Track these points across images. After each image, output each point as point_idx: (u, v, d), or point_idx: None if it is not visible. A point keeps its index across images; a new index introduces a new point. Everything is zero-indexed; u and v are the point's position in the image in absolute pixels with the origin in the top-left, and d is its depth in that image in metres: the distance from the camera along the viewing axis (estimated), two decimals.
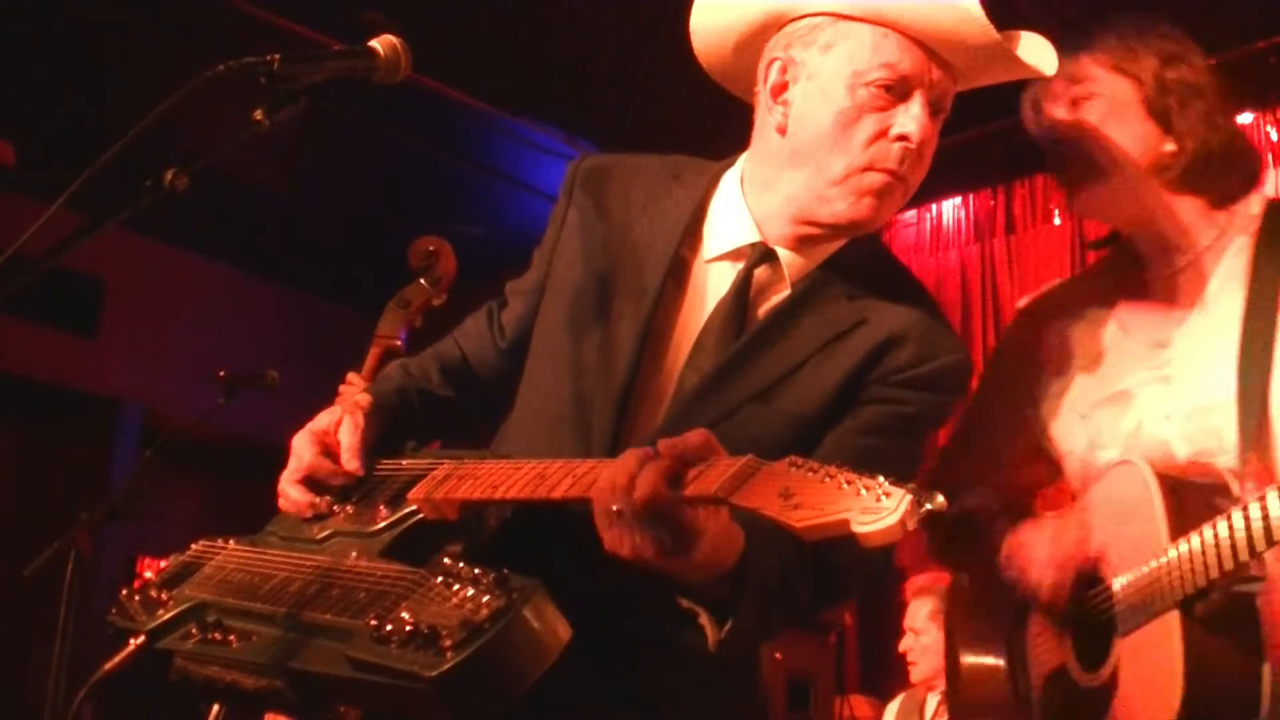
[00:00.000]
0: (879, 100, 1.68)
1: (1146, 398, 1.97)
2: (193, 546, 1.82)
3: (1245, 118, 5.10)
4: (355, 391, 2.12)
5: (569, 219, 1.88)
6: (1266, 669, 1.71)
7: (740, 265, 1.75)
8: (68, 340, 6.31)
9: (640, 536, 1.37)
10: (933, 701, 4.82)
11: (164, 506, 4.98)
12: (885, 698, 5.25)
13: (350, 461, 1.75)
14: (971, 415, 2.22)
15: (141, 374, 6.51)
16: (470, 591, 1.36)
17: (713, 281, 1.77)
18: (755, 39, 1.79)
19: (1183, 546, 1.74)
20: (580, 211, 1.86)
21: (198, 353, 6.20)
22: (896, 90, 1.68)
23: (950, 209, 6.15)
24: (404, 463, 1.74)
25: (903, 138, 1.67)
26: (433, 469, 1.65)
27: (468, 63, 5.16)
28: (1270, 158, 5.04)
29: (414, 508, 1.61)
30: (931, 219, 6.19)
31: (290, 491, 1.75)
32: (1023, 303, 2.25)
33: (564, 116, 5.55)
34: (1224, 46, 4.90)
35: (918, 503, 1.15)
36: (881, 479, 1.17)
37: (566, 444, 1.70)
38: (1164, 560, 1.76)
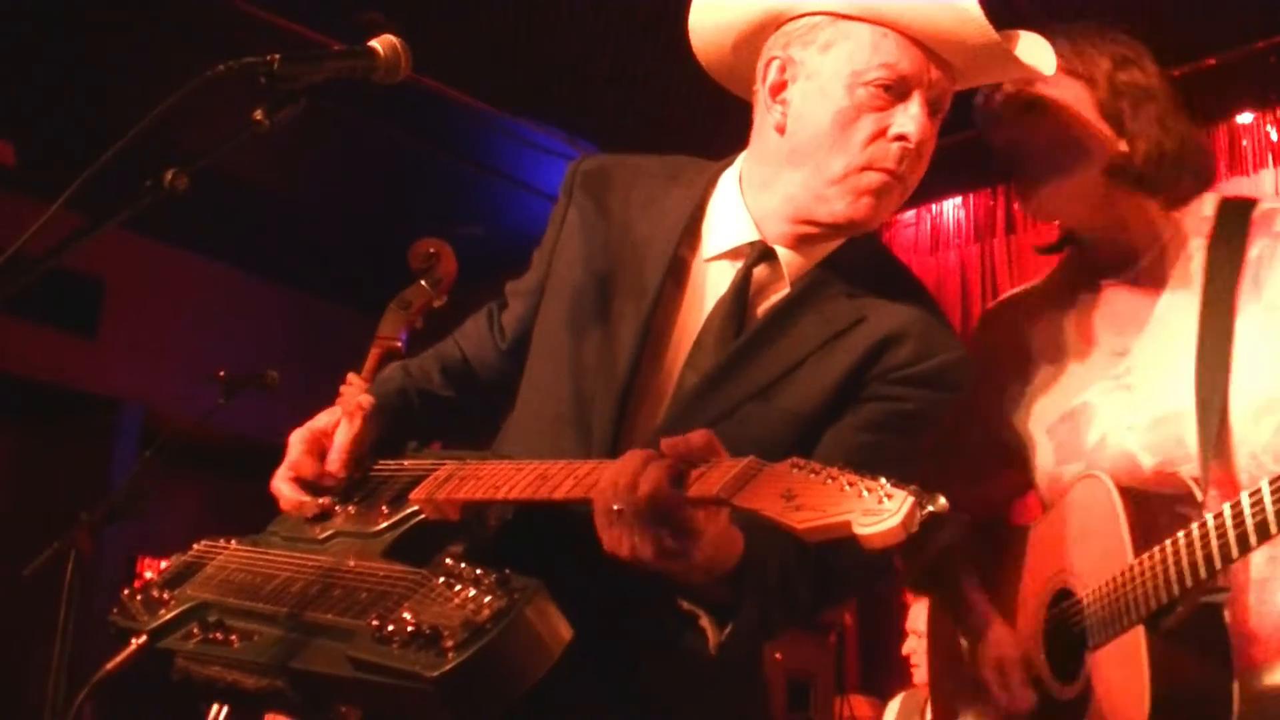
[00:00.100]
0: (878, 100, 1.68)
1: (1109, 409, 1.97)
2: (194, 546, 1.82)
3: (1245, 118, 5.11)
4: (355, 392, 2.12)
5: (569, 219, 1.88)
6: (1236, 686, 1.71)
7: (739, 264, 1.75)
8: (68, 340, 6.31)
9: (640, 536, 1.37)
10: None
11: (164, 506, 4.98)
12: (885, 698, 5.24)
13: (334, 463, 1.75)
14: (944, 429, 2.23)
15: (141, 374, 6.51)
16: (472, 592, 1.36)
17: (712, 281, 1.77)
18: (754, 37, 1.80)
19: (1146, 562, 1.74)
20: (581, 211, 1.86)
21: (198, 353, 6.20)
22: (895, 90, 1.68)
23: (950, 209, 6.14)
24: (405, 463, 1.74)
25: (901, 137, 1.67)
26: (434, 469, 1.65)
27: (468, 63, 5.16)
28: (1270, 157, 5.04)
29: (416, 508, 1.61)
30: (931, 219, 6.19)
31: (282, 489, 1.76)
32: (984, 313, 2.26)
33: (564, 116, 5.55)
34: (1224, 46, 4.91)
35: (919, 505, 1.15)
36: (883, 481, 1.17)
37: (567, 444, 1.70)
38: (1128, 575, 1.76)
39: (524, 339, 1.89)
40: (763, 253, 1.75)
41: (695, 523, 1.37)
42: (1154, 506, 1.81)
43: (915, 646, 4.90)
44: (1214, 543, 1.63)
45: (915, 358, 1.70)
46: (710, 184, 1.84)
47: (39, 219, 1.42)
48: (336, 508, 1.73)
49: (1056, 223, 2.14)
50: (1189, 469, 1.85)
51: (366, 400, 1.84)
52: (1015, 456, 2.10)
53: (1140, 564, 1.74)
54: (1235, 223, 1.95)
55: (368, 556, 1.58)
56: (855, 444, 1.66)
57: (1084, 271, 2.09)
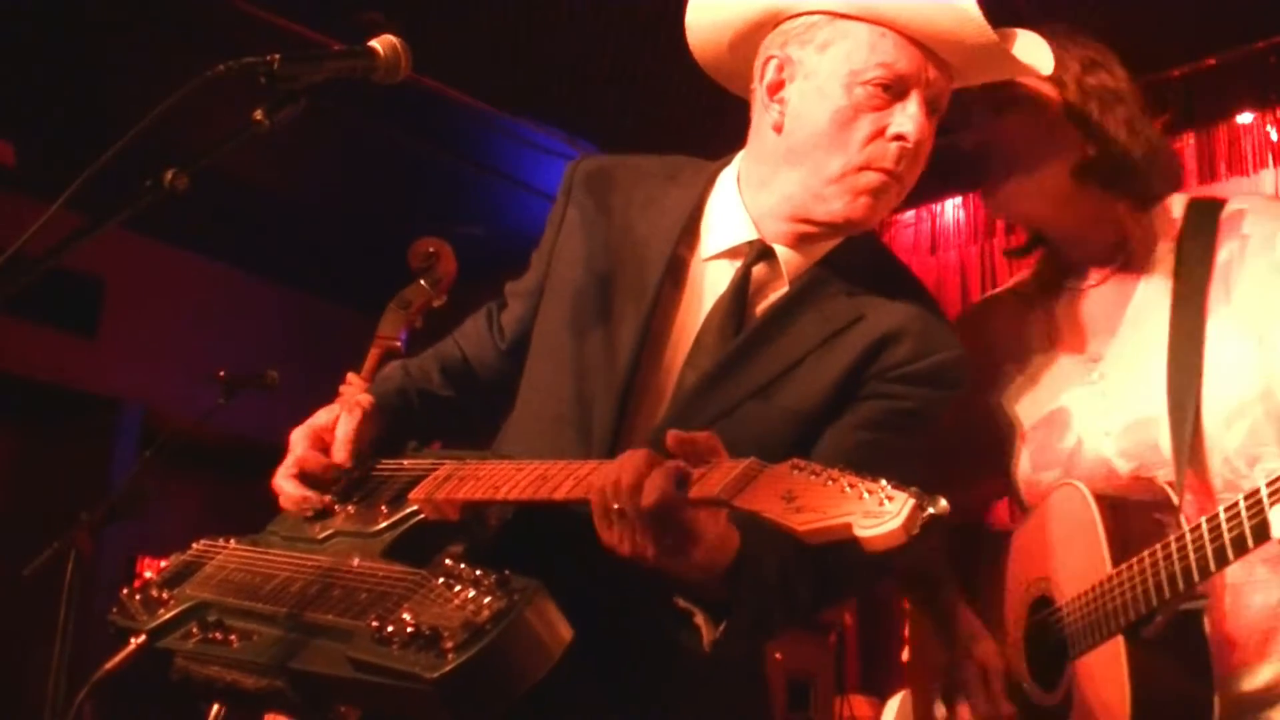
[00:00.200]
0: (876, 100, 1.68)
1: (1084, 415, 1.97)
2: (194, 546, 1.82)
3: (1245, 118, 5.11)
4: (355, 392, 2.12)
5: (568, 220, 1.88)
6: (1217, 699, 1.72)
7: (738, 263, 1.76)
8: (68, 340, 6.30)
9: (642, 536, 1.37)
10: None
11: (164, 506, 4.98)
12: (885, 698, 5.23)
13: (339, 452, 1.75)
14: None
15: (141, 374, 6.51)
16: (471, 593, 1.36)
17: (711, 280, 1.77)
18: (751, 35, 1.80)
19: (1125, 572, 1.74)
20: (581, 211, 1.86)
21: (198, 353, 6.20)
22: (893, 90, 1.68)
23: (950, 209, 6.14)
24: (405, 463, 1.74)
25: (900, 137, 1.68)
26: (434, 469, 1.65)
27: (468, 63, 5.16)
28: (1270, 157, 5.04)
29: (415, 508, 1.61)
30: (931, 219, 6.18)
31: (285, 486, 1.75)
32: (958, 318, 2.26)
33: (564, 116, 5.55)
34: (1224, 46, 4.91)
35: (920, 507, 1.14)
36: (884, 483, 1.17)
37: (567, 444, 1.70)
38: (1107, 585, 1.76)
39: (523, 339, 1.89)
40: (761, 252, 1.75)
41: (697, 524, 1.37)
42: (1131, 514, 1.82)
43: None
44: (1191, 556, 1.63)
45: (914, 356, 1.70)
46: (709, 184, 1.84)
47: (39, 219, 1.42)
48: (336, 507, 1.73)
49: (1023, 224, 2.14)
50: (1164, 473, 1.85)
51: (366, 399, 1.84)
52: (992, 461, 2.10)
53: (1119, 574, 1.74)
54: (1204, 224, 1.95)
55: (367, 556, 1.58)
56: (854, 442, 1.66)
57: (1055, 275, 2.09)
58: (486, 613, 1.32)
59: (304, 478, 1.75)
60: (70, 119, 5.39)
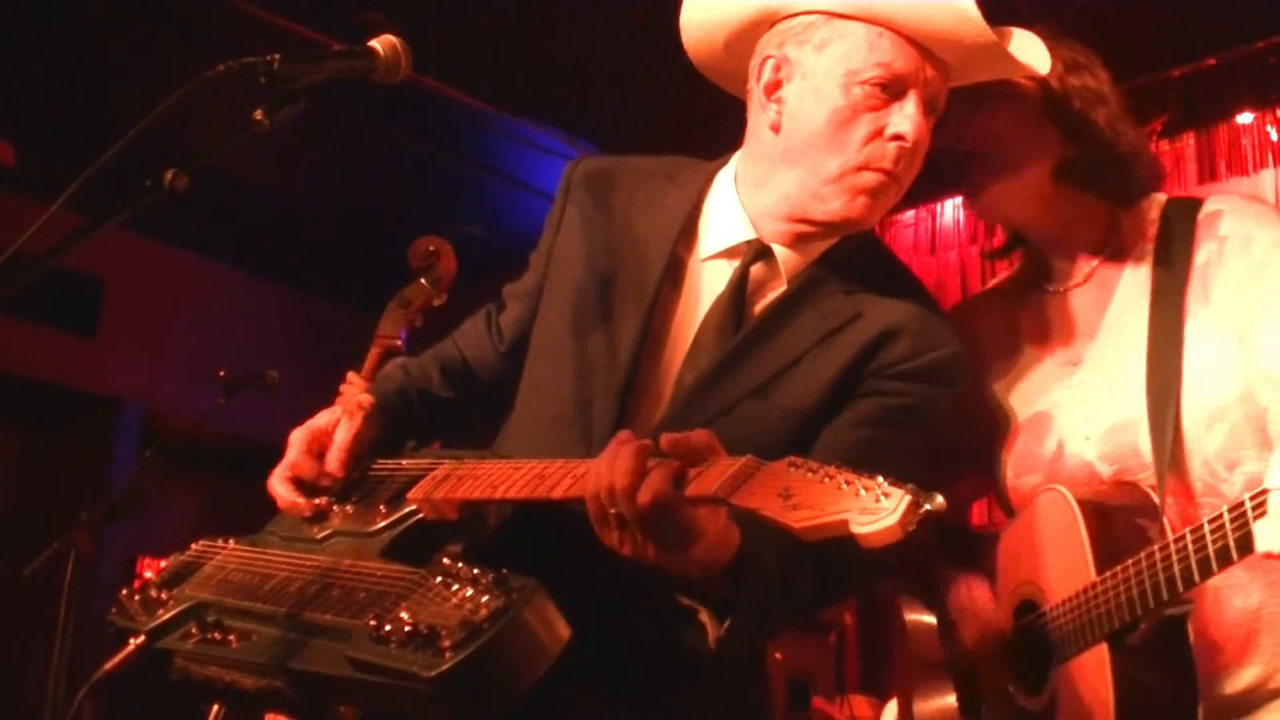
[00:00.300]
0: (873, 99, 1.68)
1: (1064, 419, 1.97)
2: (193, 546, 1.82)
3: (1245, 118, 5.10)
4: (355, 391, 2.12)
5: (566, 220, 1.88)
6: (1201, 708, 1.71)
7: (736, 263, 1.76)
8: (68, 340, 6.30)
9: (642, 537, 1.37)
10: None
11: (164, 506, 4.97)
12: (885, 697, 5.23)
13: (333, 462, 1.75)
14: None
15: (141, 374, 6.51)
16: (469, 592, 1.36)
17: (709, 280, 1.78)
18: (747, 35, 1.80)
19: (1108, 580, 1.74)
20: (581, 211, 1.86)
21: (198, 353, 6.19)
22: (891, 89, 1.68)
23: (950, 209, 6.14)
24: (404, 462, 1.74)
25: (898, 137, 1.68)
26: (432, 469, 1.65)
27: (468, 63, 5.15)
28: (1270, 157, 5.04)
29: (413, 507, 1.61)
30: (931, 219, 6.18)
31: (278, 488, 1.76)
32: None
33: (564, 116, 5.55)
34: (1224, 46, 4.91)
35: (916, 504, 1.15)
36: (881, 479, 1.17)
37: (568, 444, 1.70)
38: (1091, 592, 1.76)
39: (522, 341, 1.89)
40: (759, 251, 1.76)
41: (695, 522, 1.37)
42: (1115, 520, 1.81)
43: None
44: (1175, 567, 1.63)
45: (912, 353, 1.70)
46: (706, 184, 1.84)
47: (39, 219, 1.42)
48: (334, 507, 1.73)
49: (1003, 225, 2.14)
50: (1145, 477, 1.85)
51: (366, 399, 1.84)
52: (972, 461, 2.10)
53: (1103, 582, 1.74)
54: (1181, 225, 1.95)
55: (366, 556, 1.58)
56: (853, 440, 1.67)
57: (1035, 276, 2.09)
58: (484, 612, 1.32)
59: (297, 482, 1.76)
60: (70, 119, 5.39)
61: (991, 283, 2.22)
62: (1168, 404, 1.84)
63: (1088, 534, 1.79)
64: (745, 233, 1.76)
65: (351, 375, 2.53)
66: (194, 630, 1.61)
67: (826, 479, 1.20)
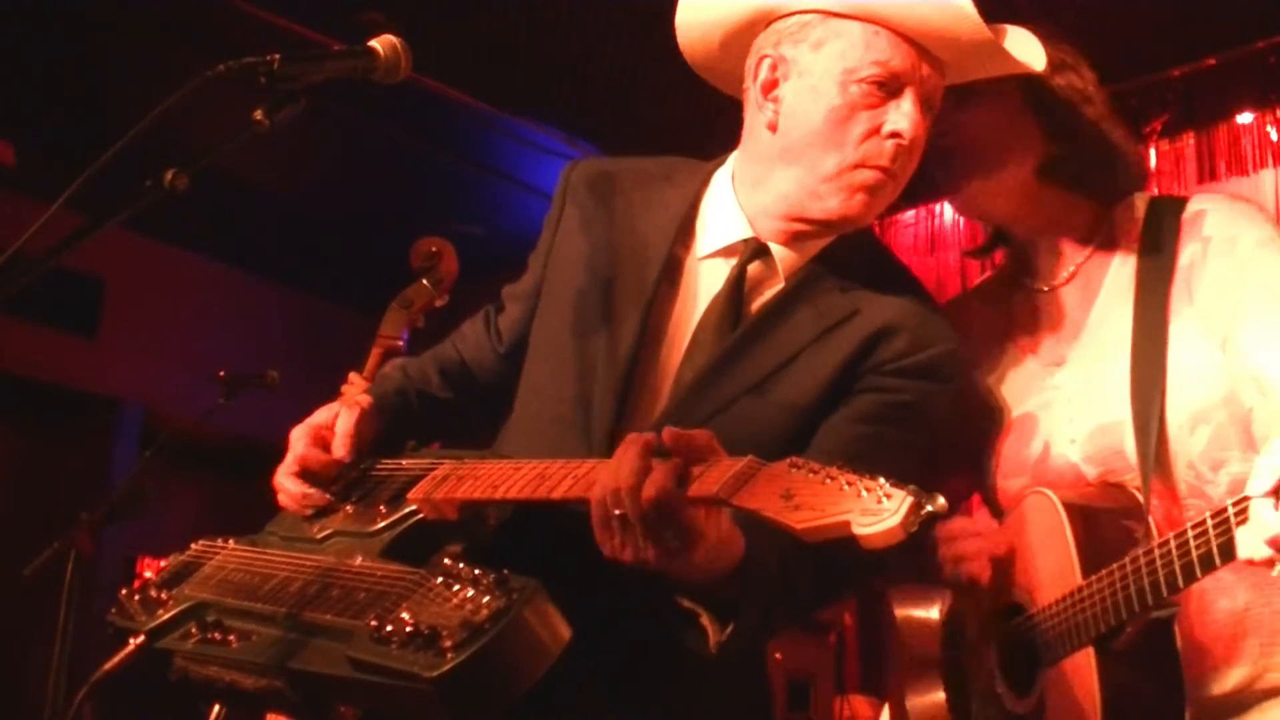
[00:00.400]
0: (870, 97, 1.68)
1: (1049, 420, 1.96)
2: (193, 546, 1.82)
3: (1245, 118, 5.10)
4: (356, 392, 2.12)
5: (565, 222, 1.88)
6: (1189, 710, 1.71)
7: (733, 261, 1.76)
8: (68, 340, 6.30)
9: (643, 539, 1.37)
10: None
11: (164, 506, 4.97)
12: (885, 697, 5.22)
13: (340, 448, 1.75)
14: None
15: (141, 374, 6.50)
16: (470, 592, 1.36)
17: (706, 279, 1.78)
18: (743, 35, 1.80)
19: (1094, 584, 1.73)
20: (580, 213, 1.87)
21: (198, 353, 6.19)
22: (888, 87, 1.69)
23: (950, 209, 6.14)
24: (404, 462, 1.74)
25: (895, 135, 1.68)
26: (433, 469, 1.65)
27: (468, 63, 5.15)
28: (1270, 157, 5.04)
29: (414, 508, 1.61)
30: (931, 219, 6.18)
31: (286, 484, 1.76)
32: None
33: (564, 116, 5.55)
34: (1224, 46, 4.91)
35: (918, 505, 1.15)
36: (882, 480, 1.17)
37: (568, 444, 1.70)
38: (1077, 596, 1.76)
39: (521, 342, 1.89)
40: (756, 250, 1.76)
41: (697, 523, 1.37)
42: (1101, 523, 1.81)
43: None
44: (1160, 572, 1.63)
45: (909, 349, 1.70)
46: (703, 183, 1.84)
47: (39, 219, 1.42)
48: (335, 506, 1.73)
49: (985, 222, 2.13)
50: (1130, 478, 1.85)
51: (365, 398, 1.84)
52: (959, 460, 2.09)
53: (1088, 586, 1.74)
54: (1166, 225, 1.94)
55: (366, 556, 1.58)
56: (851, 435, 1.67)
57: (1019, 274, 2.08)
58: (485, 612, 1.32)
59: (305, 475, 1.76)
60: (70, 119, 5.38)
61: (977, 282, 2.22)
62: (1152, 405, 1.83)
63: (1073, 537, 1.79)
64: (742, 231, 1.77)
65: (353, 375, 2.53)
66: (194, 630, 1.61)
67: (828, 480, 1.20)
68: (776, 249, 1.76)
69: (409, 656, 1.32)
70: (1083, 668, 1.75)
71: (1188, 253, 1.90)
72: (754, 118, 1.79)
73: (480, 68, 5.24)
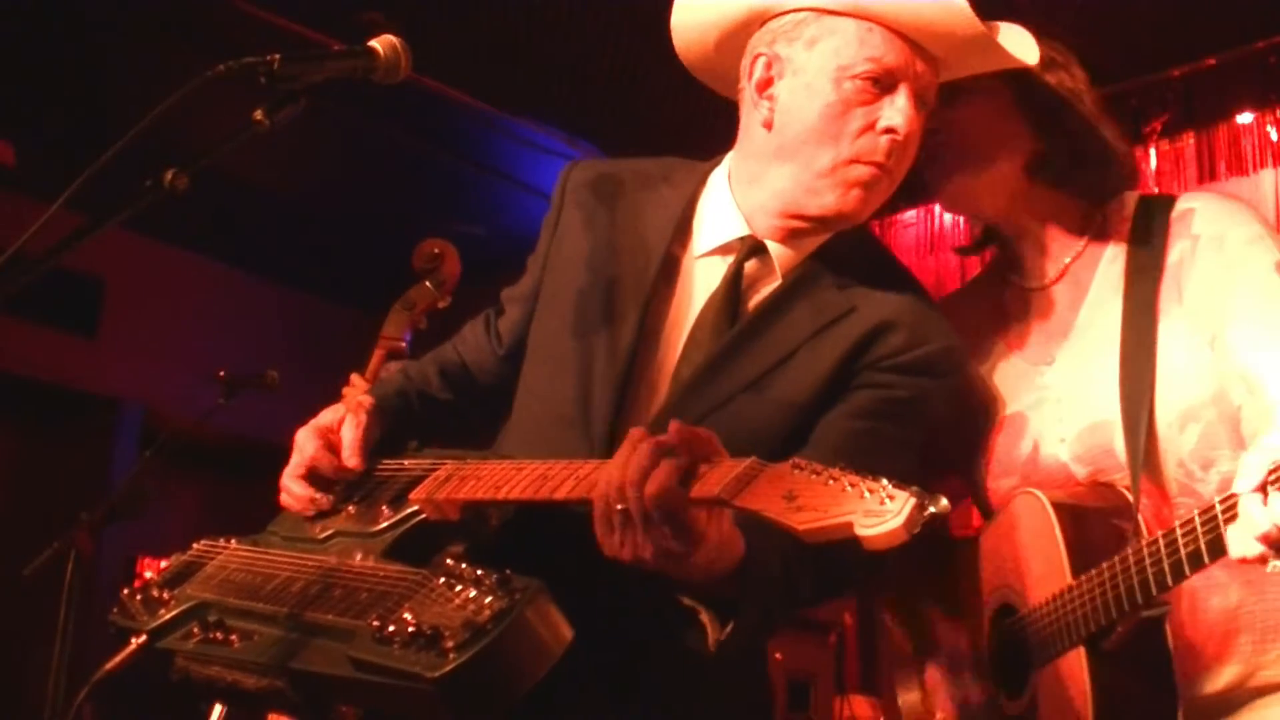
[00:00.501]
0: (865, 94, 1.69)
1: (1039, 420, 1.96)
2: (194, 546, 1.82)
3: (1245, 118, 5.10)
4: (357, 393, 2.12)
5: (564, 223, 1.89)
6: (1181, 709, 1.71)
7: (730, 260, 1.77)
8: (68, 340, 6.30)
9: (643, 538, 1.37)
10: None
11: (164, 506, 4.97)
12: (885, 697, 5.22)
13: (351, 458, 1.76)
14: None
15: (141, 374, 6.50)
16: (472, 592, 1.36)
17: (703, 277, 1.78)
18: (737, 35, 1.81)
19: (1084, 584, 1.73)
20: (579, 214, 1.87)
21: (198, 353, 6.19)
22: (882, 84, 1.69)
23: None
24: (406, 463, 1.74)
25: (890, 130, 1.69)
26: (435, 469, 1.65)
27: (468, 63, 5.15)
28: (1270, 157, 5.03)
29: (416, 508, 1.61)
30: (931, 219, 6.18)
31: (293, 486, 1.76)
32: None
33: (564, 116, 5.55)
34: (1224, 46, 4.91)
35: (921, 506, 1.15)
36: (885, 482, 1.17)
37: (569, 444, 1.70)
38: (1067, 596, 1.76)
39: (520, 344, 1.90)
40: (753, 247, 1.77)
41: (698, 524, 1.37)
42: (1090, 522, 1.81)
43: None
44: (1149, 570, 1.63)
45: (906, 345, 1.71)
46: (700, 183, 1.85)
47: (39, 219, 1.42)
48: (337, 507, 1.73)
49: (974, 219, 2.13)
50: (1120, 478, 1.85)
51: (367, 400, 1.84)
52: (952, 464, 2.09)
53: (1078, 585, 1.74)
54: (1155, 223, 1.94)
55: (368, 556, 1.58)
56: (849, 431, 1.67)
57: (1008, 273, 2.08)
58: (487, 612, 1.32)
59: (312, 478, 1.76)
60: (70, 119, 5.38)
61: (967, 280, 2.22)
62: (1141, 404, 1.83)
63: (1063, 537, 1.79)
64: (739, 229, 1.77)
65: (355, 376, 2.53)
66: (196, 630, 1.60)
67: (831, 481, 1.20)
68: (773, 246, 1.76)
69: (411, 657, 1.32)
70: (1074, 668, 1.75)
71: (1176, 251, 1.90)
72: (749, 116, 1.80)
73: (480, 68, 5.24)
